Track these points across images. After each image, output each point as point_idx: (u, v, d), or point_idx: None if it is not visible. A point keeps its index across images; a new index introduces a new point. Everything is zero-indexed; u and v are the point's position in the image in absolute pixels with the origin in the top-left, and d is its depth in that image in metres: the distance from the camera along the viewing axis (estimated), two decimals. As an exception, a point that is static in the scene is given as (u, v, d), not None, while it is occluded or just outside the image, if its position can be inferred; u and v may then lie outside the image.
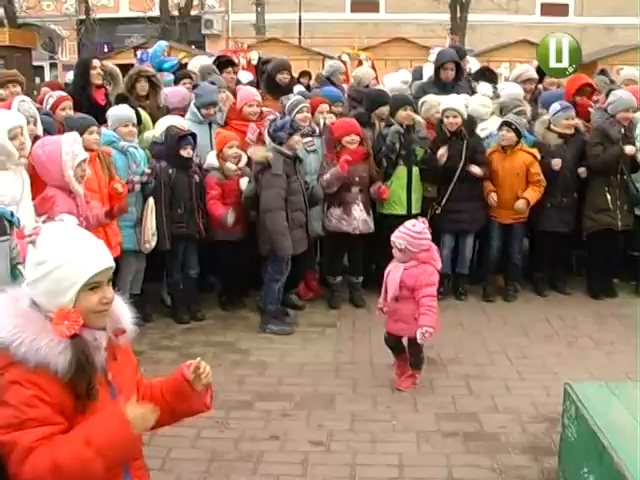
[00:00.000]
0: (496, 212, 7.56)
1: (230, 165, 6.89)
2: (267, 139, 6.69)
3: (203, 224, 6.89)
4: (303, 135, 7.02)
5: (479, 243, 8.02)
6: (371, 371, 5.94)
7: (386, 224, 6.99)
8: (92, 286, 2.33)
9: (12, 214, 3.89)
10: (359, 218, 7.16)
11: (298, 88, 8.85)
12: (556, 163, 7.39)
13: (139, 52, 11.44)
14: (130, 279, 6.62)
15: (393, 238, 5.42)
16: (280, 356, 6.23)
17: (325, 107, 7.70)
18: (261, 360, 6.19)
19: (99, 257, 2.38)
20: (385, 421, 5.15)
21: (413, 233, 5.36)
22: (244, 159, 6.97)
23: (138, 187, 6.49)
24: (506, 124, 7.37)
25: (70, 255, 2.31)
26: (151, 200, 6.56)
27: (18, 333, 2.24)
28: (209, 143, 7.32)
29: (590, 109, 7.94)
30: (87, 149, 5.79)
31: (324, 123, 7.53)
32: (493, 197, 7.44)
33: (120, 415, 2.27)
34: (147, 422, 2.33)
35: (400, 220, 7.28)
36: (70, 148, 5.40)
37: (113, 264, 2.42)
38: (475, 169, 7.34)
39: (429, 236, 5.46)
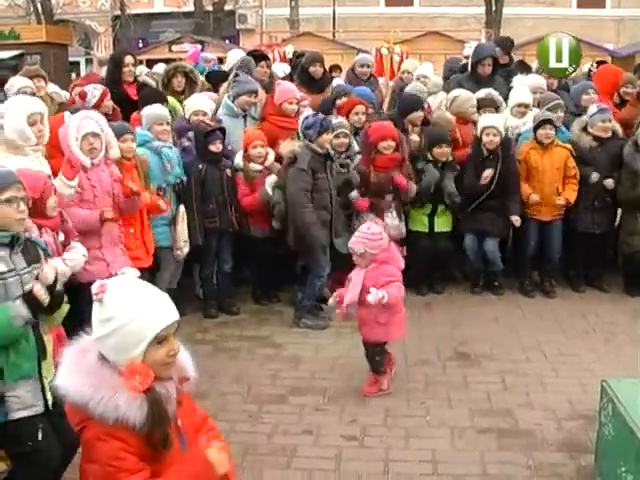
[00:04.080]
0: (535, 210, 7.51)
1: (253, 166, 6.91)
2: (300, 135, 6.71)
3: (236, 218, 6.91)
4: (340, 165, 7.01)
5: (515, 241, 7.96)
6: (405, 367, 5.91)
7: (410, 237, 7.37)
8: (160, 340, 2.39)
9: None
10: (391, 224, 7.04)
11: (337, 81, 8.84)
12: (594, 177, 7.39)
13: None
14: (168, 277, 6.66)
15: (350, 245, 5.34)
16: (314, 350, 6.23)
17: (361, 108, 7.63)
18: (295, 354, 6.20)
19: (166, 311, 2.43)
20: (419, 417, 5.13)
21: (370, 236, 5.27)
22: (270, 158, 6.98)
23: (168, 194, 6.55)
24: (547, 122, 7.34)
25: (138, 311, 2.36)
26: (182, 207, 6.61)
27: (94, 392, 2.31)
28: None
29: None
30: (123, 157, 5.86)
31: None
32: (534, 197, 7.41)
33: (205, 461, 2.41)
34: (225, 466, 2.46)
35: (423, 236, 7.47)
36: (77, 122, 5.43)
37: (178, 317, 2.47)
38: (515, 220, 7.38)
39: (386, 236, 5.38)
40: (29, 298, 3.44)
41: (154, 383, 2.37)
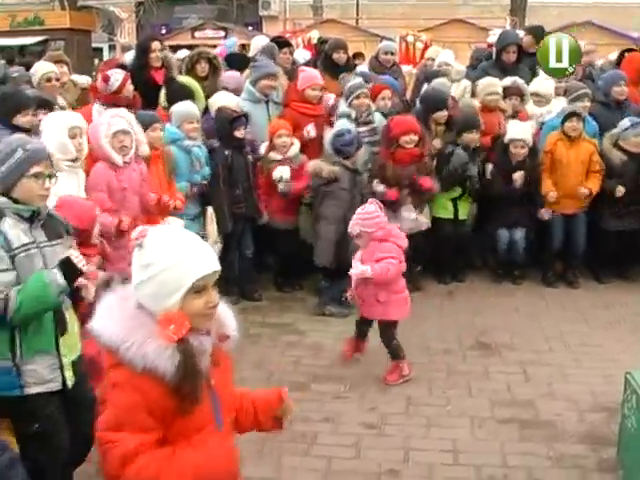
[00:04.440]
0: (560, 204, 7.46)
1: (273, 155, 6.93)
2: (329, 151, 6.66)
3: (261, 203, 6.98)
4: (360, 123, 6.98)
5: (539, 234, 7.88)
6: (427, 355, 5.91)
7: (435, 225, 7.40)
8: (198, 289, 2.32)
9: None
10: (407, 218, 6.99)
11: (361, 68, 8.80)
12: (619, 190, 7.33)
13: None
14: None
15: (349, 229, 5.47)
16: (336, 338, 6.22)
17: (387, 93, 7.60)
18: (317, 342, 6.20)
19: (206, 260, 2.35)
20: (440, 406, 5.12)
21: (364, 215, 5.36)
22: (294, 148, 6.99)
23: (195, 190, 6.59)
24: (575, 115, 7.29)
25: (177, 258, 2.30)
26: (210, 209, 6.64)
27: (127, 336, 2.26)
28: (266, 123, 7.34)
29: None
30: (150, 147, 5.87)
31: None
32: (552, 195, 7.39)
33: (229, 450, 2.36)
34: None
35: (447, 222, 7.47)
36: (107, 120, 5.46)
37: (219, 268, 2.38)
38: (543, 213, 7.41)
39: (382, 214, 5.43)
40: (65, 266, 3.44)
41: (188, 335, 2.29)
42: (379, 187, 6.93)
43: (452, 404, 5.13)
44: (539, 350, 6.02)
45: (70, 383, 3.70)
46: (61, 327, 3.65)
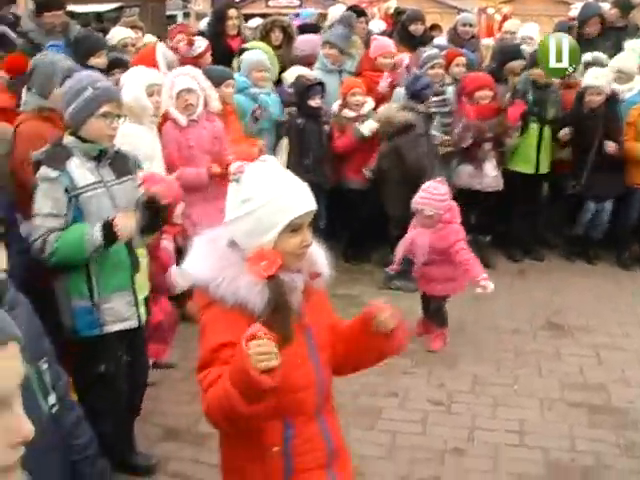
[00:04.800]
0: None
1: (347, 112, 6.84)
2: (403, 96, 6.59)
3: (332, 173, 6.91)
4: (435, 94, 6.88)
5: (616, 212, 7.65)
6: (496, 334, 5.83)
7: (511, 181, 7.07)
8: (294, 228, 2.27)
9: (136, 157, 3.92)
10: (490, 175, 6.97)
11: (438, 41, 8.64)
12: None
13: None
14: None
15: (419, 206, 5.35)
16: (404, 313, 6.13)
17: (462, 60, 7.47)
18: (385, 316, 6.14)
19: (304, 199, 2.31)
20: (507, 385, 5.06)
21: (438, 196, 5.31)
22: (367, 106, 6.89)
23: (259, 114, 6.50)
24: None
25: (276, 194, 2.25)
26: (285, 140, 6.60)
27: (218, 273, 2.23)
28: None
29: None
30: (223, 102, 5.84)
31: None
32: None
33: (242, 350, 2.05)
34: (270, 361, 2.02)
35: (526, 178, 7.21)
36: (170, 80, 5.46)
37: (316, 208, 2.34)
38: (611, 148, 7.01)
39: (449, 195, 5.41)
40: (107, 227, 3.45)
41: (279, 272, 2.24)
42: (455, 130, 6.89)
43: (520, 384, 5.06)
44: (613, 334, 5.85)
45: (143, 319, 3.79)
46: (135, 265, 3.72)
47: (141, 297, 3.80)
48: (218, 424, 2.22)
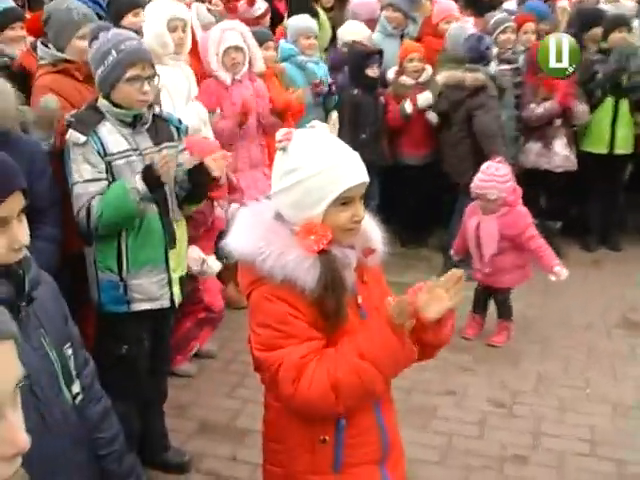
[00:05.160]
0: None
1: (405, 79, 6.50)
2: (466, 58, 6.22)
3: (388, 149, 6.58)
4: (503, 61, 6.55)
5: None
6: (565, 330, 5.44)
7: (584, 162, 6.63)
8: (344, 201, 2.13)
9: (180, 121, 3.69)
10: (560, 154, 6.53)
11: (508, 5, 8.15)
12: None
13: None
14: None
15: (480, 190, 5.06)
16: (464, 303, 5.75)
17: (531, 26, 7.00)
18: (443, 306, 5.77)
19: (355, 170, 2.17)
20: (577, 388, 4.73)
21: (500, 178, 5.02)
22: (426, 74, 6.55)
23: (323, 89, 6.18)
24: None
25: (325, 164, 2.12)
26: (334, 114, 6.23)
27: (263, 247, 2.10)
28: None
29: None
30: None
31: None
32: None
33: (385, 322, 2.07)
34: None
35: (600, 159, 6.74)
36: (218, 34, 5.20)
37: (368, 180, 2.19)
38: None
39: (511, 175, 5.13)
40: (147, 171, 3.29)
41: (331, 246, 2.12)
42: (537, 110, 6.48)
43: (592, 387, 4.73)
44: None
45: (177, 300, 3.59)
46: (171, 240, 3.50)
47: (176, 276, 3.55)
48: (340, 405, 2.09)
